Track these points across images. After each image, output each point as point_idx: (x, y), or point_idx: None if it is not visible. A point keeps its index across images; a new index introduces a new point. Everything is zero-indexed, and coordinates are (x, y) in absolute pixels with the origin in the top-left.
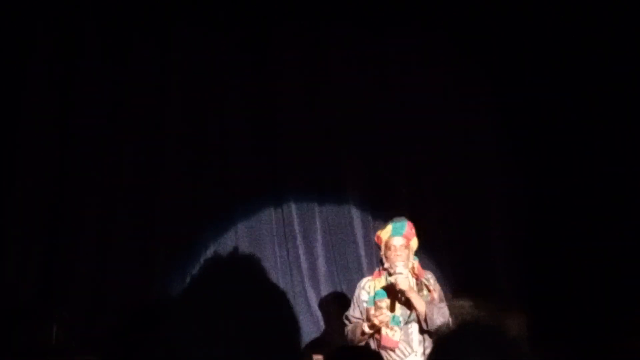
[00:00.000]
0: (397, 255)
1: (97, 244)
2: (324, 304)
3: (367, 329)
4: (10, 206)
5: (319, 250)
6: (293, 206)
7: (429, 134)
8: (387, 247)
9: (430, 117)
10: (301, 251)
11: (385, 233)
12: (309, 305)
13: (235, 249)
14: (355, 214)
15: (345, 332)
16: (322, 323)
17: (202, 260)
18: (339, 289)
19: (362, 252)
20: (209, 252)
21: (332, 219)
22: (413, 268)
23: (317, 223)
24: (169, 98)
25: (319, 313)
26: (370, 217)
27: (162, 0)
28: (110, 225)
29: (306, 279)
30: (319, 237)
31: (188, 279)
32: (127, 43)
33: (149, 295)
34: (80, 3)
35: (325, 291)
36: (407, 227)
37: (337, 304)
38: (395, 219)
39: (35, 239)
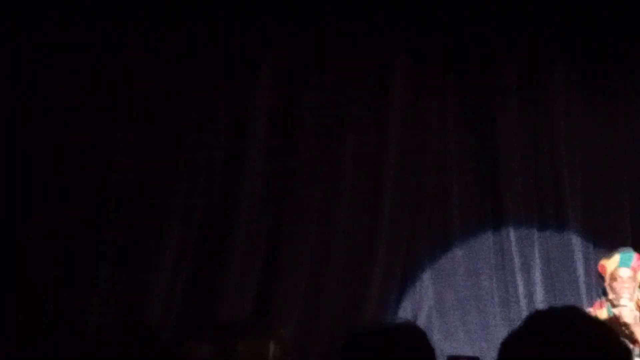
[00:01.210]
0: (624, 287)
1: (313, 263)
2: None
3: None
4: (232, 227)
5: (537, 279)
6: (512, 233)
7: None
8: (613, 277)
9: None
10: (519, 279)
11: (611, 263)
12: None
13: (452, 274)
14: (576, 243)
15: None
16: None
17: (417, 286)
18: None
19: (582, 283)
20: (425, 277)
21: (552, 247)
22: (638, 301)
23: (536, 251)
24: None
25: None
26: (591, 247)
27: None
28: (328, 247)
29: (523, 307)
30: (537, 265)
31: (402, 304)
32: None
33: (360, 317)
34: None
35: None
36: (635, 258)
37: None
38: (622, 249)
39: (254, 256)
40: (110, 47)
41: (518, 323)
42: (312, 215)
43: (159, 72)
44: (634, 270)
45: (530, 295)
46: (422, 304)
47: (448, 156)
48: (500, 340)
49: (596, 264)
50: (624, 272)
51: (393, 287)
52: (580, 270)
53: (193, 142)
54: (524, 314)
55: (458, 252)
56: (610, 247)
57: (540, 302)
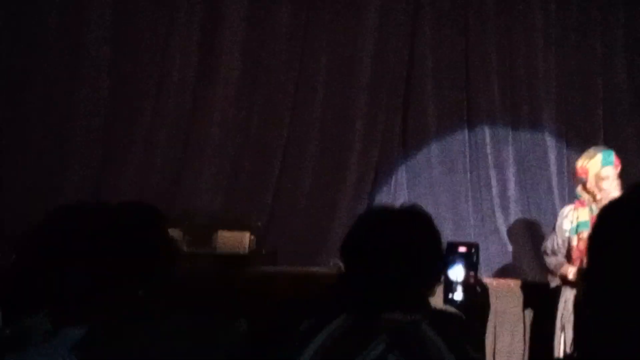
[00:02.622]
0: (613, 184)
1: (286, 158)
2: (512, 228)
3: (571, 276)
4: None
5: (511, 175)
6: (487, 131)
7: (628, 55)
8: (599, 177)
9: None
10: (492, 175)
11: (594, 164)
12: (497, 229)
13: (427, 171)
14: (550, 141)
15: (548, 263)
16: (509, 247)
17: (392, 181)
18: (528, 215)
19: (555, 180)
20: (399, 174)
21: (526, 145)
22: None
23: (510, 148)
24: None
25: (506, 237)
26: (564, 145)
27: None
28: (303, 141)
29: (496, 203)
30: (511, 162)
31: (376, 199)
32: None
33: (335, 212)
34: None
35: (514, 216)
36: (614, 156)
37: (527, 230)
38: (598, 148)
39: (221, 159)
40: None
41: (489, 218)
42: (287, 111)
43: None
44: (616, 167)
45: (503, 193)
46: (396, 199)
47: (423, 58)
48: (473, 234)
49: (569, 163)
50: (609, 171)
51: (367, 182)
52: (553, 169)
53: None
54: (497, 211)
55: (434, 150)
56: (582, 146)
57: (514, 199)
